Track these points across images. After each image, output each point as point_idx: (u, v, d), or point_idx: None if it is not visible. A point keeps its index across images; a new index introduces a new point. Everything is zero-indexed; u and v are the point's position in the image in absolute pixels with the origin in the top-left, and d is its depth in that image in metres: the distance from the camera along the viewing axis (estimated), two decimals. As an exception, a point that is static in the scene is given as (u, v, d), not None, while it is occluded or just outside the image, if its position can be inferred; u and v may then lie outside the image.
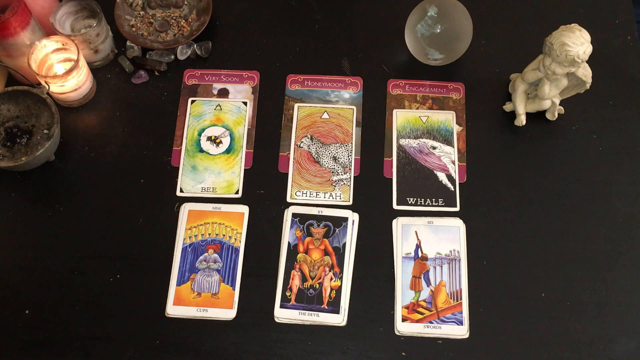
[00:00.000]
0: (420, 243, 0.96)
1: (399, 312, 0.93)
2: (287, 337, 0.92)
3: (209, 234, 0.98)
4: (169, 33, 1.11)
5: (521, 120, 1.03)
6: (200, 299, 0.94)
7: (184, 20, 1.12)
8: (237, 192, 1.01)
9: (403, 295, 0.94)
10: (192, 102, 1.07)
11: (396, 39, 1.11)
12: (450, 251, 0.96)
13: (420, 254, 0.96)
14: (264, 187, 1.01)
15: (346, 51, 1.11)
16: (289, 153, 1.03)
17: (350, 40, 1.12)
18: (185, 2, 1.14)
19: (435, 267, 0.95)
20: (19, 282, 0.95)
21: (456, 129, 1.05)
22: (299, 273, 0.95)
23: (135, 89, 1.08)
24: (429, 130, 1.05)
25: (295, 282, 0.95)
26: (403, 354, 0.91)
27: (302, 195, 1.00)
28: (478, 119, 1.06)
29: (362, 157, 1.03)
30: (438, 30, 1.01)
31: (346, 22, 1.14)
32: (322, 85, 1.08)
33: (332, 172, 1.02)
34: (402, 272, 0.95)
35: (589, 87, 0.97)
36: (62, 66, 1.05)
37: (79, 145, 1.04)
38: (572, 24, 0.91)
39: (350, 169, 1.02)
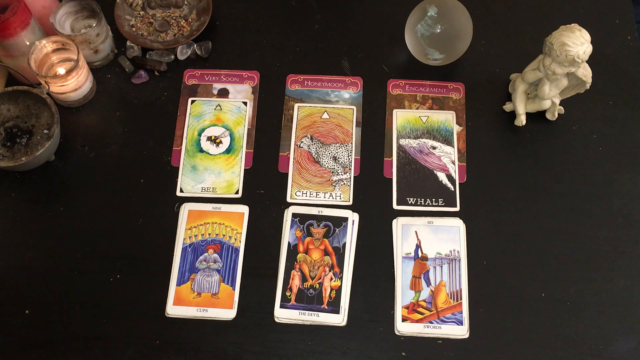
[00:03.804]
0: (420, 243, 0.96)
1: (399, 312, 0.93)
2: (287, 337, 0.92)
3: (209, 234, 0.98)
4: (169, 33, 1.11)
5: (521, 120, 1.03)
6: (200, 299, 0.94)
7: (184, 20, 1.12)
8: (237, 192, 1.01)
9: (403, 295, 0.94)
10: (192, 102, 1.07)
11: (396, 39, 1.11)
12: (450, 251, 0.96)
13: (420, 254, 0.96)
14: (264, 187, 1.01)
15: (346, 51, 1.11)
16: (289, 153, 1.03)
17: (350, 40, 1.12)
18: (185, 2, 1.14)
19: (435, 267, 0.95)
20: (19, 282, 0.95)
21: (456, 129, 1.05)
22: (299, 273, 0.95)
23: (135, 89, 1.08)
24: (429, 130, 1.05)
25: (295, 282, 0.95)
26: (403, 354, 0.91)
27: (302, 195, 1.00)
28: (478, 119, 1.06)
29: (362, 157, 1.03)
30: (438, 30, 1.01)
31: (346, 22, 1.14)
32: (322, 85, 1.08)
33: (332, 172, 1.02)
34: (402, 272, 0.95)
35: (589, 87, 0.97)
36: (62, 66, 1.05)
37: (79, 145, 1.04)
38: (572, 24, 0.91)
39: (350, 169, 1.02)
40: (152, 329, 0.92)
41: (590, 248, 0.96)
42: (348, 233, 0.97)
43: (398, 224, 0.98)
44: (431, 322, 0.92)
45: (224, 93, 1.08)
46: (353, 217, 0.98)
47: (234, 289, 0.94)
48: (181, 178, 1.02)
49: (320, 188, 1.01)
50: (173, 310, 0.93)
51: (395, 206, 0.99)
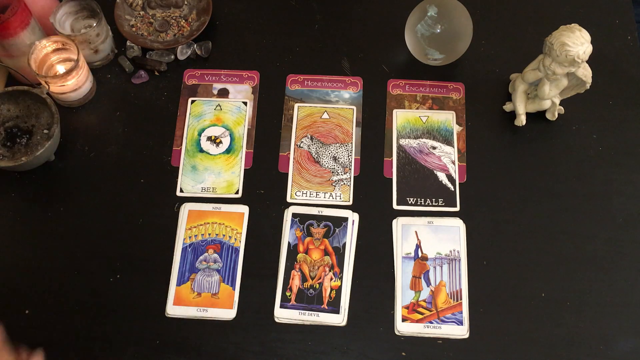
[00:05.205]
0: (420, 243, 0.96)
1: (399, 312, 0.93)
2: (287, 337, 0.92)
3: (209, 234, 0.98)
4: (169, 33, 1.11)
5: (521, 120, 1.03)
6: (200, 299, 0.94)
7: (184, 20, 1.12)
8: (237, 192, 1.01)
9: (403, 295, 0.94)
10: (192, 102, 1.07)
11: (396, 39, 1.11)
12: (450, 251, 0.96)
13: (420, 254, 0.96)
14: (264, 187, 1.01)
15: (346, 51, 1.11)
16: (289, 153, 1.03)
17: (350, 40, 1.12)
18: (185, 2, 1.14)
19: (435, 267, 0.95)
20: (19, 282, 0.95)
21: (456, 129, 1.05)
22: (299, 273, 0.95)
23: (135, 89, 1.08)
24: (429, 130, 1.05)
25: (295, 282, 0.95)
26: (403, 354, 0.91)
27: (302, 195, 1.00)
28: (478, 119, 1.06)
29: (362, 157, 1.03)
30: (438, 30, 1.01)
31: (346, 22, 1.14)
32: (322, 85, 1.08)
33: (332, 172, 1.02)
34: (402, 272, 0.95)
35: (589, 87, 0.97)
36: (62, 66, 1.05)
37: (79, 145, 1.04)
38: (572, 24, 0.91)
39: (350, 169, 1.02)
40: (152, 329, 0.92)
41: (590, 248, 0.96)
42: (348, 233, 0.97)
43: (398, 224, 0.98)
44: (431, 322, 0.92)
45: (224, 93, 1.08)
46: (353, 217, 0.98)
47: (234, 289, 0.94)
48: (181, 178, 1.02)
49: (320, 188, 1.01)
50: (173, 310, 0.93)
51: (395, 206, 0.99)
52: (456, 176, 1.01)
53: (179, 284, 0.95)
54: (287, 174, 1.02)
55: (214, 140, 1.05)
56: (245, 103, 1.07)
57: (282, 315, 0.93)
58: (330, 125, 1.05)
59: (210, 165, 1.03)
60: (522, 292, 0.94)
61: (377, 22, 1.14)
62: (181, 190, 1.01)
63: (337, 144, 1.04)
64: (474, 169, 1.02)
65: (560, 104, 1.02)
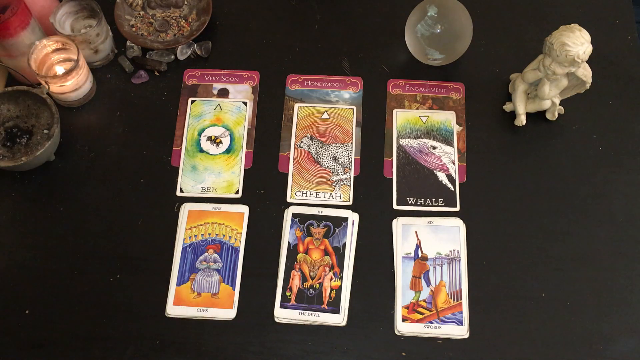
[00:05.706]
0: (420, 243, 0.96)
1: (399, 312, 0.93)
2: (287, 337, 0.92)
3: (209, 234, 0.98)
4: (169, 33, 1.11)
5: (521, 120, 1.03)
6: (200, 299, 0.94)
7: (184, 20, 1.12)
8: (237, 192, 1.01)
9: (403, 295, 0.94)
10: (192, 102, 1.07)
11: (396, 39, 1.11)
12: (450, 251, 0.96)
13: (420, 254, 0.96)
14: (264, 187, 1.01)
15: (346, 51, 1.11)
16: (289, 153, 1.03)
17: (350, 40, 1.12)
18: (185, 2, 1.14)
19: (435, 267, 0.95)
20: (19, 282, 0.95)
21: (456, 129, 1.05)
22: (299, 273, 0.95)
23: (135, 89, 1.08)
24: (429, 130, 1.05)
25: (295, 282, 0.95)
26: (403, 354, 0.91)
27: (302, 195, 1.00)
28: (478, 119, 1.06)
29: (362, 157, 1.03)
30: (438, 30, 1.01)
31: (346, 22, 1.14)
32: (322, 85, 1.08)
33: (332, 172, 1.02)
34: (402, 272, 0.95)
35: (589, 87, 0.97)
36: (62, 66, 1.05)
37: (79, 145, 1.04)
38: (572, 24, 0.91)
39: (350, 169, 1.02)
40: (152, 329, 0.92)
41: (590, 248, 0.96)
42: (348, 233, 0.97)
43: (398, 224, 0.98)
44: (431, 322, 0.92)
45: (224, 93, 1.08)
46: (353, 217, 0.98)
47: (234, 289, 0.94)
48: (181, 178, 1.02)
49: (320, 188, 1.01)
50: (173, 310, 0.93)
51: (395, 206, 0.99)
52: (456, 176, 1.01)
53: (179, 284, 0.95)
54: (287, 174, 1.02)
55: (214, 140, 1.05)
56: (245, 103, 1.07)
57: (282, 315, 0.93)
58: (330, 125, 1.05)
59: (210, 165, 1.03)
60: (522, 292, 0.94)
61: (377, 22, 1.14)
62: (181, 190, 1.01)
63: (337, 144, 1.04)
64: (474, 169, 1.02)
65: (560, 104, 1.02)
